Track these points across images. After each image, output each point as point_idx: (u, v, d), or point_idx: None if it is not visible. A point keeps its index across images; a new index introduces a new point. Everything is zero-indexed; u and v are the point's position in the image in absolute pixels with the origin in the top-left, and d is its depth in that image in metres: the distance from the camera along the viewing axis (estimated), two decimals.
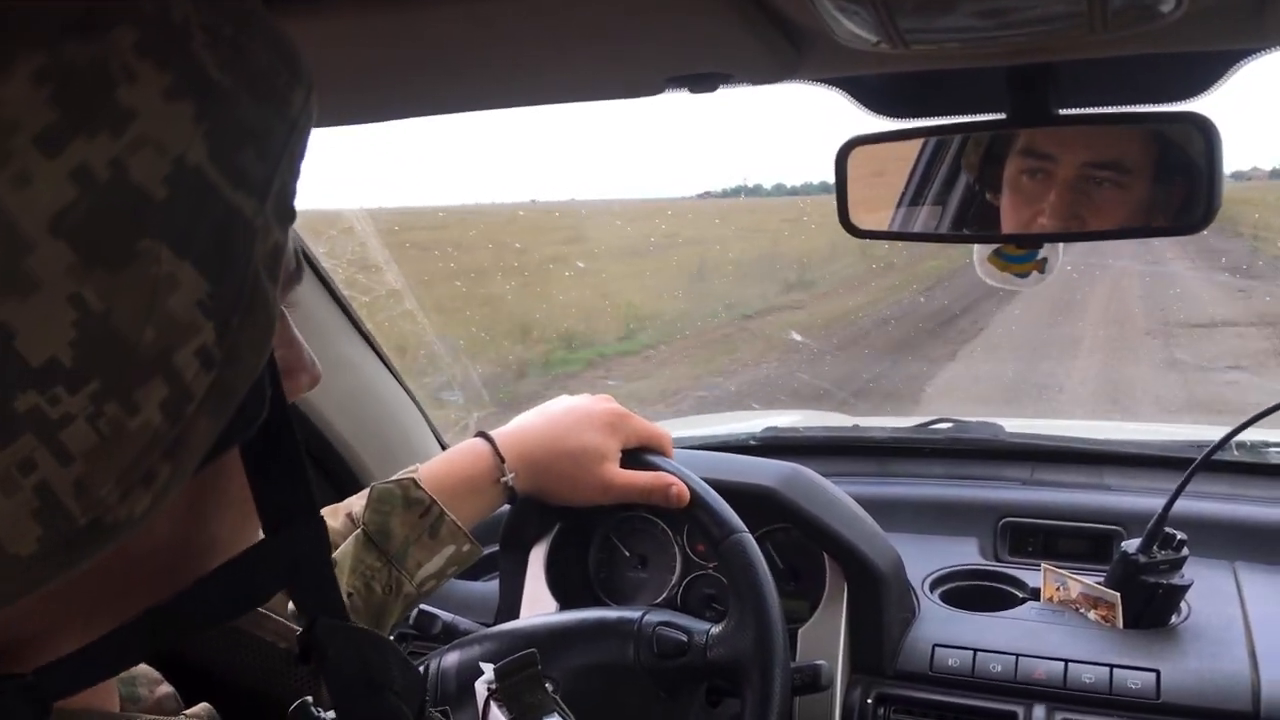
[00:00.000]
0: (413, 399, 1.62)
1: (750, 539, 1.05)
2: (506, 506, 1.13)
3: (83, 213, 0.34)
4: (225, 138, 0.38)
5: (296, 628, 0.61)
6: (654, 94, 0.83)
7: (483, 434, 1.08)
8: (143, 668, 0.57)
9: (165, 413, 0.37)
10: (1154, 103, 0.83)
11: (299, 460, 0.47)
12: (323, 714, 0.55)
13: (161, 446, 0.37)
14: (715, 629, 1.03)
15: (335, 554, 0.96)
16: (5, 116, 0.33)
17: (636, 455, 1.13)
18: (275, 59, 0.41)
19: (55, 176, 0.33)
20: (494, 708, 0.83)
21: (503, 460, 1.05)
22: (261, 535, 0.48)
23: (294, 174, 0.42)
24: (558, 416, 1.12)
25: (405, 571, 0.97)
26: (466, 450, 1.07)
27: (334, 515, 1.02)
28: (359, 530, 0.97)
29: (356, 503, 1.00)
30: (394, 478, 1.01)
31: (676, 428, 1.75)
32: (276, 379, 0.45)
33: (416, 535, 0.98)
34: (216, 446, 0.41)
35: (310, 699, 0.56)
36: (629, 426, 1.13)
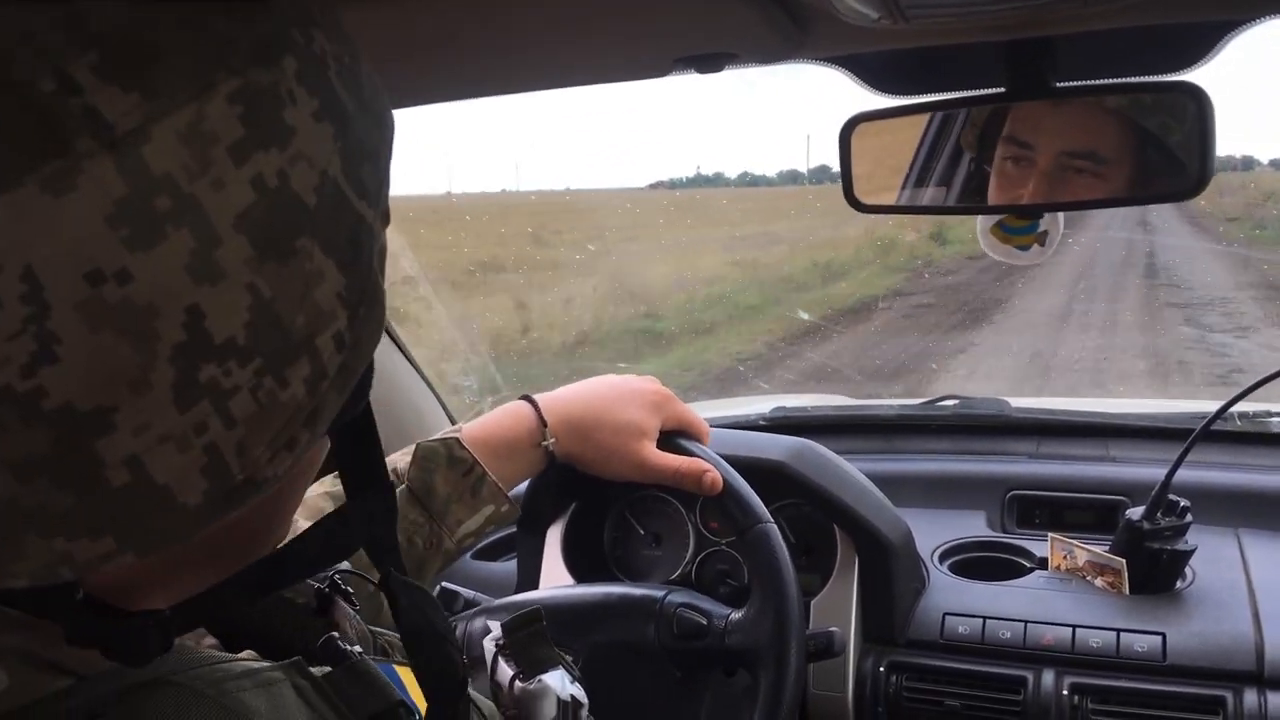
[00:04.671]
0: (425, 381, 1.64)
1: (775, 530, 1.05)
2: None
3: (259, 213, 0.39)
4: (352, 155, 0.43)
5: (314, 584, 0.70)
6: (662, 75, 0.86)
7: (526, 397, 1.10)
8: None
9: (307, 387, 0.42)
10: (1149, 74, 0.85)
11: (376, 439, 0.53)
12: (350, 647, 0.61)
13: (302, 416, 0.43)
14: (735, 615, 1.03)
15: None
16: (207, 130, 0.38)
17: (671, 439, 1.12)
18: (376, 84, 0.47)
19: (241, 182, 0.38)
20: (501, 662, 0.86)
21: (545, 424, 1.07)
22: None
23: (390, 183, 0.48)
24: (603, 389, 1.12)
25: (446, 528, 0.99)
26: (509, 412, 1.08)
27: None
28: (403, 486, 0.99)
29: (400, 459, 1.02)
30: (438, 436, 1.03)
31: None
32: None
33: (459, 494, 1.00)
34: (337, 418, 0.46)
35: (336, 634, 0.60)
36: (671, 409, 1.13)
